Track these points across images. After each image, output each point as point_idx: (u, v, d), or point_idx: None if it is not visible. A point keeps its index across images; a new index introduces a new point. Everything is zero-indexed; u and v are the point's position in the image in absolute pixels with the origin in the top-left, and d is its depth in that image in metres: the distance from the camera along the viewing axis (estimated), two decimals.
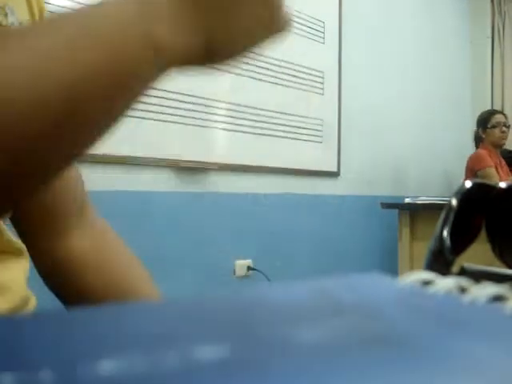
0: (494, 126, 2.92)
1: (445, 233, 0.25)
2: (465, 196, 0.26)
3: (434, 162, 3.35)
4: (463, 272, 0.23)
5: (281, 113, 2.35)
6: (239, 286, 2.16)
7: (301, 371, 0.12)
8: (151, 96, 1.87)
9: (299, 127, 2.44)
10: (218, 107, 2.11)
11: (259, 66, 2.26)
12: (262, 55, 2.27)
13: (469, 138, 3.29)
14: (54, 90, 0.22)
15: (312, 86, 2.52)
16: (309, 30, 2.50)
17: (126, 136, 1.82)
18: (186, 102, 1.99)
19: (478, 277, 0.22)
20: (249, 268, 2.19)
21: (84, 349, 0.13)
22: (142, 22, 0.25)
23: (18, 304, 0.43)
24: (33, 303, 0.46)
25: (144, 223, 1.86)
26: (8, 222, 0.46)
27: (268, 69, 2.29)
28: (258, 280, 2.19)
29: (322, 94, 2.58)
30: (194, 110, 2.02)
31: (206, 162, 2.06)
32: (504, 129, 2.93)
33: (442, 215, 0.25)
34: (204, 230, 2.05)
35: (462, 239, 0.26)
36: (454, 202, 0.25)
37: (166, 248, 1.91)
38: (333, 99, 2.64)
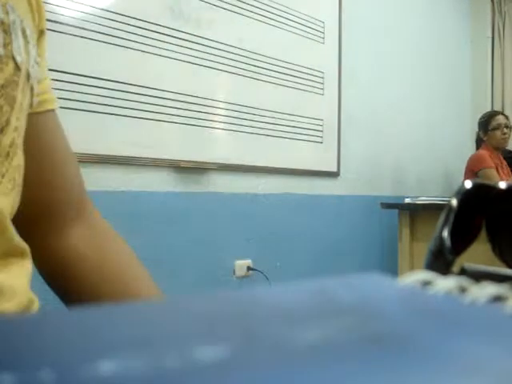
0: (494, 128, 2.91)
1: (445, 233, 0.25)
2: (465, 196, 0.26)
3: (434, 162, 3.35)
4: (463, 272, 0.23)
5: (281, 113, 2.35)
6: (239, 286, 2.16)
7: (301, 371, 0.12)
8: (151, 96, 1.87)
9: (299, 127, 2.44)
10: (218, 107, 2.11)
11: (259, 66, 2.26)
12: (262, 55, 2.27)
13: (469, 138, 3.30)
14: None
15: (312, 86, 2.52)
16: (309, 29, 2.50)
17: (126, 136, 1.82)
18: (186, 102, 1.99)
19: (479, 277, 0.22)
20: (249, 268, 2.19)
21: (84, 349, 0.13)
22: None
23: (22, 307, 0.42)
24: (36, 306, 0.46)
25: (144, 223, 1.86)
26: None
27: (268, 69, 2.29)
28: (258, 280, 2.19)
29: (322, 94, 2.58)
30: (194, 110, 2.02)
31: (206, 162, 2.06)
32: (505, 130, 2.92)
33: (442, 215, 0.25)
34: (204, 230, 2.05)
35: (462, 239, 0.26)
36: (454, 202, 0.25)
37: (165, 248, 1.91)
38: (333, 99, 2.64)
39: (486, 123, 2.94)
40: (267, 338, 0.14)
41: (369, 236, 2.81)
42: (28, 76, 0.43)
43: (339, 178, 2.68)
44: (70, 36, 1.67)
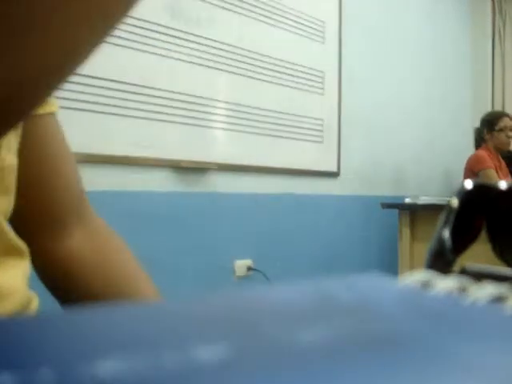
0: (501, 130, 2.89)
1: (445, 233, 0.25)
2: (465, 196, 0.25)
3: (434, 162, 3.35)
4: (464, 272, 0.23)
5: (281, 113, 2.35)
6: (239, 286, 2.16)
7: (300, 371, 0.12)
8: (151, 96, 1.88)
9: (299, 127, 2.44)
10: (218, 107, 2.11)
11: (259, 66, 2.26)
12: (262, 55, 2.27)
13: (469, 138, 3.29)
14: None
15: (312, 86, 2.52)
16: (309, 29, 2.50)
17: (126, 136, 1.82)
18: (186, 102, 1.99)
19: (479, 276, 0.22)
20: (249, 268, 2.19)
21: (84, 349, 0.13)
22: None
23: (20, 307, 0.43)
24: (35, 304, 0.46)
25: (144, 223, 1.86)
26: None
27: (268, 68, 2.29)
28: (258, 280, 2.19)
29: (322, 94, 2.58)
30: (194, 110, 2.02)
31: (206, 162, 2.06)
32: (510, 133, 2.90)
33: (443, 215, 0.25)
34: (204, 230, 2.06)
35: (462, 239, 0.26)
36: (455, 202, 0.25)
37: (165, 248, 1.91)
38: (333, 99, 2.64)
39: (492, 123, 2.92)
40: (267, 338, 0.14)
41: (369, 236, 2.81)
42: None
43: (339, 178, 2.68)
44: None
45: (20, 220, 0.46)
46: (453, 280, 0.20)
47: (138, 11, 1.85)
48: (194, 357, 0.12)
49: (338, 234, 2.64)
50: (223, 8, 2.13)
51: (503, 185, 0.26)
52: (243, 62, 2.20)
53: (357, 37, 2.80)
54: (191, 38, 2.01)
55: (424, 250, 0.26)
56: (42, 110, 0.48)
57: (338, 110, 2.66)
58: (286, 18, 2.39)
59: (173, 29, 1.95)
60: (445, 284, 0.20)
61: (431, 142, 3.33)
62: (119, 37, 1.79)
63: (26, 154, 0.44)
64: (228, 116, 2.15)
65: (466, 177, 2.89)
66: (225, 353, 0.12)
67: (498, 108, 3.67)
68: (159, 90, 1.91)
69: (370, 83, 2.89)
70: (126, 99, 1.81)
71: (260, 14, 2.27)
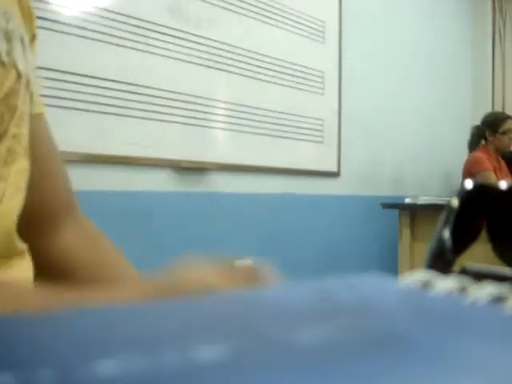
0: (504, 133, 2.87)
1: (446, 233, 0.25)
2: (465, 196, 0.25)
3: (434, 162, 3.35)
4: (464, 272, 0.23)
5: (281, 113, 2.35)
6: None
7: (301, 371, 0.12)
8: (151, 96, 1.88)
9: (299, 127, 2.44)
10: (218, 107, 2.11)
11: (259, 66, 2.26)
12: (262, 55, 2.27)
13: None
14: None
15: (312, 86, 2.52)
16: (309, 29, 2.50)
17: (126, 136, 1.82)
18: (186, 102, 1.99)
19: (479, 276, 0.22)
20: None
21: (84, 349, 0.13)
22: None
23: None
24: None
25: (144, 223, 1.86)
26: None
27: (268, 69, 2.29)
28: None
29: (322, 94, 2.58)
30: (194, 110, 2.02)
31: (206, 162, 2.06)
32: None
33: (443, 215, 0.25)
34: (204, 229, 2.05)
35: (462, 239, 0.26)
36: (455, 202, 0.25)
37: (165, 248, 1.91)
38: (333, 99, 2.64)
39: (496, 125, 2.89)
40: (267, 338, 0.14)
41: (369, 236, 2.81)
42: (28, 83, 0.44)
43: (339, 178, 2.68)
44: (70, 36, 1.67)
45: None
46: (453, 280, 0.20)
47: (138, 12, 1.85)
48: (194, 357, 0.12)
49: (338, 234, 2.64)
50: (223, 8, 2.13)
51: (503, 185, 0.26)
52: (243, 62, 2.20)
53: (357, 37, 2.80)
54: (191, 38, 2.01)
55: (424, 250, 0.26)
56: (31, 111, 0.49)
57: (338, 109, 2.66)
58: (286, 18, 2.39)
59: (173, 29, 1.95)
60: (445, 284, 0.20)
61: (431, 143, 3.32)
62: (119, 37, 1.79)
63: None
64: (228, 116, 2.15)
65: (464, 178, 2.88)
66: (225, 353, 0.12)
67: (498, 108, 3.66)
68: (159, 90, 1.90)
69: (370, 83, 2.89)
70: (126, 99, 1.81)
71: (260, 14, 2.27)
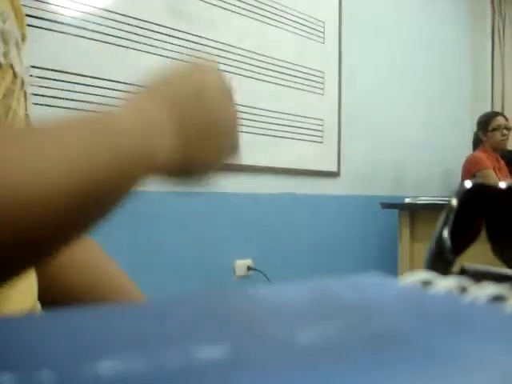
0: (494, 129, 2.89)
1: (445, 233, 0.25)
2: (465, 196, 0.25)
3: (434, 162, 3.35)
4: (463, 272, 0.23)
5: (281, 113, 2.35)
6: (239, 286, 2.16)
7: (301, 371, 0.12)
8: None
9: (299, 127, 2.44)
10: None
11: (259, 66, 2.26)
12: (262, 55, 2.27)
13: (469, 138, 3.29)
14: (76, 175, 0.28)
15: (312, 86, 2.52)
16: (309, 29, 2.50)
17: None
18: None
19: (479, 276, 0.22)
20: (249, 268, 2.19)
21: (84, 349, 0.13)
22: (145, 143, 0.34)
23: (31, 309, 0.43)
24: (38, 307, 0.46)
25: (144, 223, 1.86)
26: None
27: (268, 69, 2.29)
28: (258, 280, 2.19)
29: (322, 94, 2.58)
30: None
31: None
32: (505, 131, 2.90)
33: (443, 215, 0.25)
34: (204, 229, 2.05)
35: (462, 239, 0.26)
36: (455, 202, 0.25)
37: (165, 248, 1.91)
38: (333, 99, 2.64)
39: (486, 124, 2.93)
40: (267, 338, 0.14)
41: (369, 236, 2.81)
42: (22, 84, 0.44)
43: (339, 178, 2.68)
44: (70, 36, 1.67)
45: None
46: (453, 280, 0.20)
47: (138, 12, 1.85)
48: (194, 357, 0.12)
49: (338, 234, 2.64)
50: (223, 8, 2.13)
51: (503, 185, 0.26)
52: (243, 62, 2.20)
53: (357, 37, 2.80)
54: (191, 38, 2.01)
55: (424, 250, 0.26)
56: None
57: (338, 110, 2.66)
58: (286, 18, 2.39)
59: (173, 29, 1.95)
60: (445, 284, 0.20)
61: (431, 142, 3.32)
62: (120, 37, 1.79)
63: None
64: None
65: (463, 178, 2.88)
66: (225, 353, 0.12)
67: (497, 108, 3.67)
68: None
69: (370, 83, 2.89)
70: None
71: (260, 15, 2.27)
